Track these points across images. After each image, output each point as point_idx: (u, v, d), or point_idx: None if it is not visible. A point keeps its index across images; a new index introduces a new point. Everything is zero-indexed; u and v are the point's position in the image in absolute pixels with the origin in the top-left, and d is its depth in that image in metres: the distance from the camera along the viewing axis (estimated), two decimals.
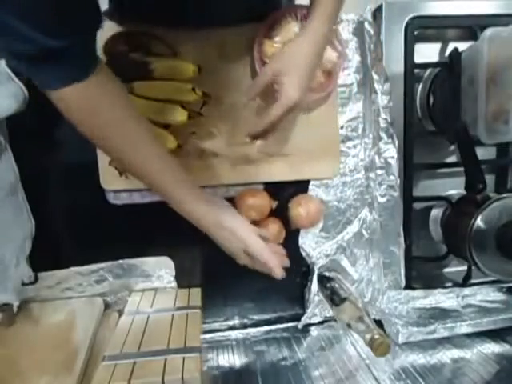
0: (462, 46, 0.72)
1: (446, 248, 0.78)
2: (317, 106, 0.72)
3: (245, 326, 0.78)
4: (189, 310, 0.66)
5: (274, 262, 0.55)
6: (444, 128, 0.76)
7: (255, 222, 0.68)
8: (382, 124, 0.72)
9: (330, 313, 0.77)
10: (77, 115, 0.44)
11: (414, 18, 0.73)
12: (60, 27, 0.37)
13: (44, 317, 0.68)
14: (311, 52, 0.54)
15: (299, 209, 0.71)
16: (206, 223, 0.55)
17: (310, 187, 0.75)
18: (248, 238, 0.55)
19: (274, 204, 0.71)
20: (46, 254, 0.70)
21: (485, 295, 0.81)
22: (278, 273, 0.55)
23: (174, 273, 0.74)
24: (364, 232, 0.77)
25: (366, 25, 0.71)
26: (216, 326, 0.78)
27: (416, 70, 0.75)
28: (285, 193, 0.74)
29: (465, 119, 0.70)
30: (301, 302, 0.79)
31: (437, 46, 0.77)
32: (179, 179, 0.53)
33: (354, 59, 0.74)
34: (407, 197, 0.76)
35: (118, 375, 0.52)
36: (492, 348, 0.72)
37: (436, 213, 0.80)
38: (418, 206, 0.79)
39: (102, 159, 0.66)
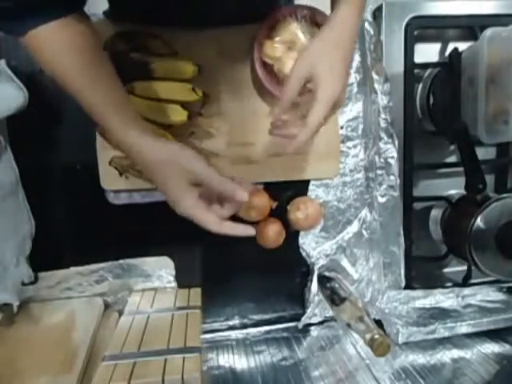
0: (462, 46, 0.72)
1: (446, 248, 0.78)
2: None
3: (245, 326, 0.78)
4: (189, 310, 0.66)
5: (231, 185, 0.48)
6: (444, 128, 0.75)
7: (255, 223, 0.68)
8: (382, 124, 0.72)
9: (330, 313, 0.77)
10: (47, 54, 0.43)
11: (414, 18, 0.73)
12: None
13: (44, 317, 0.68)
14: (342, 40, 0.49)
15: (297, 213, 0.71)
16: (152, 158, 0.48)
17: (310, 187, 0.75)
18: (198, 168, 0.48)
19: (274, 204, 0.71)
20: (46, 254, 0.69)
21: (485, 295, 0.80)
22: (240, 193, 0.48)
23: (173, 273, 0.74)
24: (364, 232, 0.77)
25: (366, 25, 0.71)
26: (216, 325, 0.77)
27: (416, 70, 0.75)
28: (285, 193, 0.74)
29: (465, 119, 0.70)
30: (301, 301, 0.79)
31: (437, 46, 0.77)
32: (126, 111, 0.48)
33: (354, 59, 0.74)
34: (407, 197, 0.76)
35: (118, 375, 0.52)
36: (492, 348, 0.72)
37: (436, 213, 0.80)
38: (418, 206, 0.79)
39: (102, 159, 0.66)
